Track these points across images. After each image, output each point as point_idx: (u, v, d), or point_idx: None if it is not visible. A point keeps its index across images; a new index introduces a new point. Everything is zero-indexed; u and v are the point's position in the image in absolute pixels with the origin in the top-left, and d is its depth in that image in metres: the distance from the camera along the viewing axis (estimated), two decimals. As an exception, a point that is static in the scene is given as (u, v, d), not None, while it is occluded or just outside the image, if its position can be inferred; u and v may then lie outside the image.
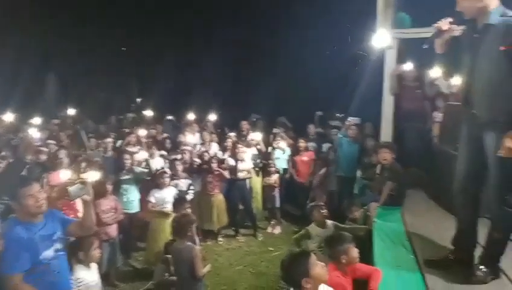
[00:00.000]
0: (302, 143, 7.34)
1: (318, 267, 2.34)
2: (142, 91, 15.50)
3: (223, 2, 13.13)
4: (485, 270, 2.81)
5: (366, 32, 5.91)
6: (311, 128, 7.88)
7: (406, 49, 5.94)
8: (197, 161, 6.87)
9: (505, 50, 2.44)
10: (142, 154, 6.46)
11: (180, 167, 6.36)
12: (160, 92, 12.17)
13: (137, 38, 14.32)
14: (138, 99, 15.47)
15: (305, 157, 7.28)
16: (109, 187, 5.31)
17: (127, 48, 15.82)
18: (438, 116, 5.85)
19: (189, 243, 4.00)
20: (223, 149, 7.20)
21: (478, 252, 2.96)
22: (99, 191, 4.82)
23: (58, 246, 2.83)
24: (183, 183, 6.23)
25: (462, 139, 2.95)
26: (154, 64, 13.87)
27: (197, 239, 4.79)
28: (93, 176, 3.31)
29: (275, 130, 8.08)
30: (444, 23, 2.75)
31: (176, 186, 6.05)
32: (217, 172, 6.51)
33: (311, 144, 7.53)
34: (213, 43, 13.50)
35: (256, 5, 12.24)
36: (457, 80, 5.66)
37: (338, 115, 8.21)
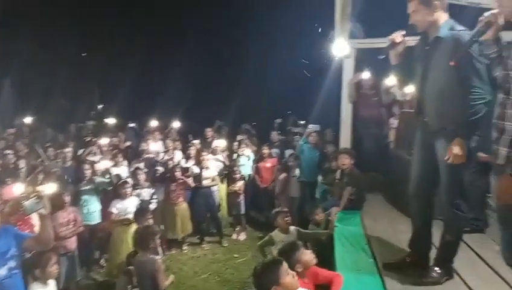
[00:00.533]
0: (265, 150, 7.43)
1: (289, 276, 2.39)
2: (103, 97, 15.12)
3: (187, 9, 13.08)
4: (439, 271, 2.93)
5: (325, 42, 6.10)
6: (274, 135, 8.00)
7: (363, 58, 6.17)
8: (160, 169, 6.78)
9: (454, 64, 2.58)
10: (103, 164, 6.30)
11: (142, 176, 6.26)
12: (122, 99, 11.93)
13: (97, 44, 13.94)
14: (99, 106, 15.07)
15: (268, 163, 7.37)
16: (67, 199, 5.14)
17: (88, 53, 15.39)
18: (394, 122, 6.10)
19: (151, 256, 3.93)
20: (187, 157, 7.15)
21: (433, 254, 3.09)
22: (56, 203, 4.66)
23: (12, 264, 2.72)
24: (146, 192, 6.13)
25: (415, 146, 3.09)
26: (115, 70, 13.59)
27: (160, 250, 4.72)
28: (50, 188, 3.20)
29: (239, 137, 8.13)
30: (398, 36, 2.87)
31: (138, 196, 5.95)
32: (181, 180, 6.46)
33: (275, 151, 7.64)
34: (176, 50, 13.42)
35: (219, 14, 12.29)
36: (411, 88, 5.97)
37: (300, 122, 8.37)
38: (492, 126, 2.07)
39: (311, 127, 6.84)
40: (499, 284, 2.88)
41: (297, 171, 6.70)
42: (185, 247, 6.63)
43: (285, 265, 2.42)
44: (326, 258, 4.01)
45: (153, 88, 13.38)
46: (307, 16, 8.89)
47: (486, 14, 2.13)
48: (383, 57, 3.02)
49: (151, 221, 4.86)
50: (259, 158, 7.51)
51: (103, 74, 14.36)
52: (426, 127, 2.91)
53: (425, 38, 2.87)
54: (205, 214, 6.80)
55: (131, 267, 4.11)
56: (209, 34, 12.56)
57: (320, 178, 6.39)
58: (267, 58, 11.57)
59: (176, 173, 6.45)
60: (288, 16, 10.38)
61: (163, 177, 6.62)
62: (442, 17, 2.75)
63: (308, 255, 3.03)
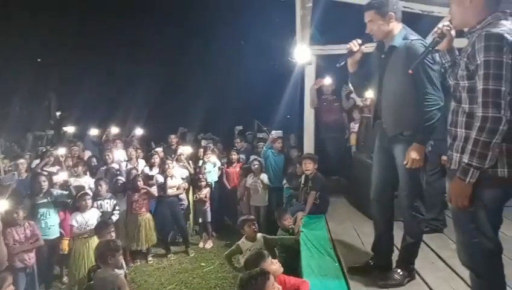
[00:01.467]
0: (234, 155, 7.41)
1: (275, 287, 2.39)
2: (61, 105, 14.52)
3: (148, 14, 12.87)
4: (401, 273, 3.01)
5: (287, 49, 6.18)
6: (238, 142, 7.98)
7: (325, 64, 6.30)
8: (122, 179, 6.60)
9: (407, 71, 2.68)
10: (61, 175, 6.04)
11: (104, 187, 6.06)
12: (82, 106, 11.52)
13: (53, 48, 13.38)
14: (58, 113, 14.46)
15: (238, 168, 7.34)
16: (22, 214, 4.88)
17: (43, 59, 14.76)
18: (355, 127, 6.26)
19: (113, 272, 3.79)
20: (150, 165, 7.00)
21: (395, 256, 3.17)
22: (9, 220, 4.42)
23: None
24: (108, 203, 5.94)
25: (375, 151, 3.18)
26: (74, 76, 13.11)
27: (124, 264, 4.58)
28: (1, 205, 3.01)
29: (204, 143, 8.04)
30: (355, 44, 2.95)
31: (99, 207, 5.76)
32: (144, 190, 6.31)
33: (241, 156, 7.63)
34: (138, 54, 13.14)
35: (182, 21, 12.18)
36: (370, 94, 6.14)
37: (263, 128, 8.42)
38: (447, 132, 2.15)
39: (275, 132, 6.90)
40: (457, 282, 3.00)
41: (264, 177, 6.69)
42: (150, 258, 6.47)
43: (272, 278, 2.42)
44: (293, 264, 4.06)
45: (114, 94, 13.01)
46: (269, 22, 8.99)
47: (440, 25, 2.22)
48: (342, 64, 3.08)
49: (113, 234, 4.70)
50: (227, 163, 7.48)
51: (61, 80, 13.80)
52: (384, 133, 3.00)
53: (381, 47, 2.97)
54: (171, 223, 6.67)
55: (92, 283, 3.96)
56: (172, 40, 12.41)
57: (285, 183, 6.45)
58: (230, 64, 11.58)
59: (138, 183, 6.29)
60: (250, 23, 10.46)
61: (125, 187, 6.44)
62: (397, 27, 2.86)
63: (275, 265, 3.04)
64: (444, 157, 3.65)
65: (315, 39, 5.76)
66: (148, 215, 6.41)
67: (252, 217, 4.81)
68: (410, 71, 2.47)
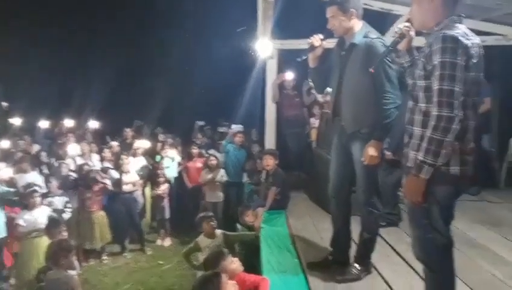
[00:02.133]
0: (194, 149, 7.24)
1: (229, 285, 2.34)
2: (8, 95, 13.58)
3: (104, 2, 12.31)
4: (359, 268, 3.06)
5: (249, 42, 6.11)
6: (198, 136, 7.83)
7: (286, 59, 6.29)
8: (73, 174, 6.28)
9: (367, 69, 2.69)
10: (6, 171, 5.66)
11: (54, 183, 5.75)
12: (31, 96, 10.84)
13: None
14: (4, 104, 13.54)
15: (199, 163, 7.17)
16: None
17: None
18: (315, 122, 6.32)
19: (66, 273, 3.59)
20: (103, 160, 6.69)
21: (353, 251, 3.21)
22: None
23: None
24: (59, 200, 5.64)
25: (333, 148, 3.19)
26: (23, 64, 12.30)
27: (77, 264, 4.36)
28: None
29: (161, 137, 7.82)
30: (316, 40, 2.94)
31: (50, 204, 5.45)
32: (97, 186, 6.03)
33: (211, 151, 7.45)
34: (93, 42, 12.56)
35: (141, 11, 11.78)
36: (329, 90, 6.19)
37: (225, 122, 8.31)
38: (405, 131, 2.18)
39: (235, 127, 6.82)
40: (411, 275, 3.07)
41: (221, 173, 6.60)
42: (104, 257, 6.23)
43: (224, 277, 2.36)
44: (254, 260, 4.02)
45: (66, 84, 12.35)
46: (230, 15, 8.87)
47: (400, 26, 2.25)
48: (303, 59, 3.06)
49: (65, 233, 4.46)
50: (188, 158, 7.31)
51: (7, 68, 12.90)
52: (343, 130, 3.02)
53: (342, 44, 2.98)
54: (126, 221, 6.43)
55: (42, 284, 3.74)
56: (130, 30, 11.96)
57: (246, 178, 6.40)
58: (190, 57, 11.36)
59: (91, 179, 6.01)
60: (212, 16, 10.31)
61: (77, 184, 6.14)
62: (358, 25, 2.87)
63: (234, 264, 2.98)
64: (387, 152, 3.77)
65: (277, 33, 5.72)
66: (102, 213, 6.17)
67: (211, 213, 4.73)
68: (371, 70, 2.48)
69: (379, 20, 5.88)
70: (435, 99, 1.93)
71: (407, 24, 2.22)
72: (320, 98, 6.43)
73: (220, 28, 9.94)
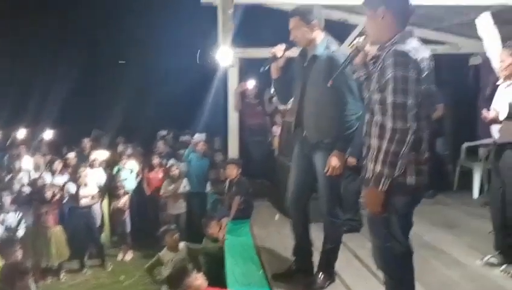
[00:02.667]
0: (155, 160, 7.08)
1: None
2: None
3: (60, 8, 11.85)
4: (322, 277, 3.07)
5: (210, 51, 6.08)
6: (160, 145, 7.64)
7: (248, 67, 6.32)
8: (27, 189, 5.99)
9: (328, 80, 2.71)
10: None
11: (7, 198, 5.45)
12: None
13: None
14: None
15: (160, 174, 6.99)
16: None
17: None
18: (277, 130, 6.38)
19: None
20: (54, 172, 6.41)
21: (317, 259, 3.22)
22: None
23: None
24: (12, 217, 5.35)
25: (294, 157, 3.21)
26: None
27: (33, 285, 4.13)
28: None
29: (121, 148, 7.58)
30: (279, 50, 2.94)
31: (2, 222, 5.16)
32: (53, 201, 5.77)
33: (171, 162, 7.27)
34: (47, 48, 12.03)
35: (99, 20, 11.47)
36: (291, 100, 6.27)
37: (187, 131, 8.20)
38: (363, 143, 2.23)
39: (197, 135, 6.74)
40: (372, 281, 3.14)
41: (184, 183, 6.50)
42: (62, 274, 5.94)
43: None
44: (219, 273, 3.97)
45: (19, 92, 11.73)
46: (192, 24, 8.81)
47: (355, 41, 2.31)
48: (265, 69, 3.07)
49: (19, 253, 4.22)
50: (149, 168, 7.14)
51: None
52: (305, 140, 3.04)
53: (304, 55, 3.01)
54: (85, 235, 6.18)
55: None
56: (89, 39, 11.61)
57: (209, 188, 6.33)
58: (151, 66, 11.17)
59: (47, 193, 5.74)
60: (172, 24, 10.19)
61: (31, 198, 5.85)
62: (320, 36, 2.91)
63: (198, 280, 2.95)
64: (350, 159, 3.86)
65: (238, 42, 5.74)
66: (59, 228, 5.89)
67: (173, 226, 4.65)
68: (329, 83, 2.51)
69: (337, 30, 6.07)
70: (389, 113, 1.98)
71: (362, 39, 2.29)
72: (281, 106, 6.51)
73: (181, 36, 9.85)
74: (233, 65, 5.96)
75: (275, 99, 6.55)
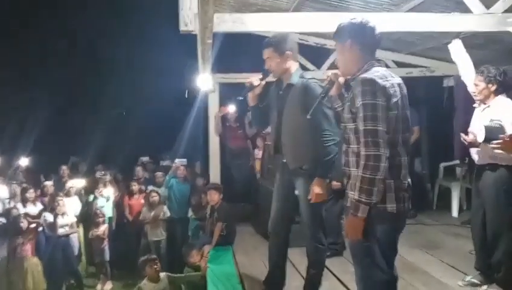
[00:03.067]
0: (135, 186, 6.95)
1: None
2: None
3: (42, 35, 11.76)
4: None
5: (190, 76, 6.12)
6: (139, 171, 7.51)
7: (228, 92, 6.37)
8: (1, 219, 5.78)
9: (304, 109, 2.77)
10: None
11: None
12: None
13: None
14: None
15: (141, 200, 6.82)
16: None
17: None
18: (259, 153, 6.39)
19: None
20: (24, 201, 6.24)
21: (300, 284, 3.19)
22: None
23: None
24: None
25: (275, 184, 3.22)
26: None
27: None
28: None
29: (98, 175, 7.41)
30: (255, 79, 3.00)
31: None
32: (29, 231, 5.57)
33: (151, 187, 7.15)
34: (25, 73, 11.86)
35: (80, 44, 11.42)
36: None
37: (166, 156, 8.12)
38: (343, 173, 2.24)
39: (178, 161, 6.67)
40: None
41: (164, 208, 6.39)
42: (38, 308, 5.71)
43: None
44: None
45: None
46: (171, 50, 8.86)
47: (329, 73, 2.36)
48: (242, 98, 3.11)
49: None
50: (129, 195, 7.00)
51: None
52: (285, 166, 3.06)
53: (280, 84, 3.08)
54: (62, 267, 5.97)
55: None
56: (69, 63, 11.50)
57: (191, 213, 6.24)
58: (132, 92, 11.13)
59: (22, 223, 5.56)
60: (152, 51, 10.25)
61: (6, 230, 5.64)
62: (294, 66, 2.99)
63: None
64: (335, 183, 3.89)
65: (218, 68, 5.80)
66: (35, 260, 5.69)
67: (154, 256, 4.54)
68: (308, 116, 2.55)
69: (314, 54, 6.21)
70: (362, 140, 2.00)
71: (335, 71, 2.35)
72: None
73: (161, 63, 9.90)
74: (213, 90, 6.01)
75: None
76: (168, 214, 6.40)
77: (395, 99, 2.03)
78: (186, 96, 6.53)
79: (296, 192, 3.05)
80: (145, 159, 8.16)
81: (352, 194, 2.07)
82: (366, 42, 2.16)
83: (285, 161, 3.04)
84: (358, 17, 2.20)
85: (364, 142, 1.99)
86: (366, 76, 2.04)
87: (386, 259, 2.13)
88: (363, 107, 1.99)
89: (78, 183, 6.64)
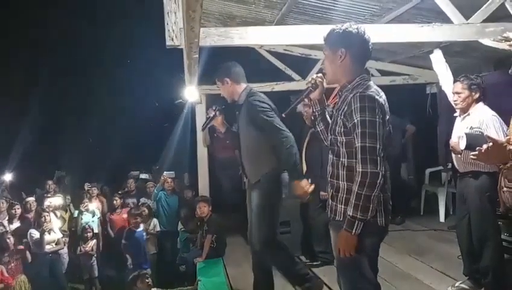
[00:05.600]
0: (117, 200, 6.84)
1: None
2: None
3: (25, 53, 11.64)
4: None
5: (177, 88, 6.14)
6: (130, 183, 7.43)
7: (215, 103, 6.36)
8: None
9: (251, 124, 3.05)
10: None
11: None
12: None
13: None
14: None
15: (124, 214, 6.73)
16: None
17: None
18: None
19: None
20: (10, 218, 6.10)
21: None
22: None
23: None
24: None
25: (247, 200, 3.38)
26: None
27: None
28: None
29: (86, 187, 7.29)
30: (210, 111, 3.39)
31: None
32: (17, 252, 5.44)
33: (132, 201, 7.07)
34: (8, 87, 11.70)
35: (66, 60, 11.34)
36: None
37: (155, 167, 8.06)
38: (328, 184, 2.22)
39: (167, 173, 6.63)
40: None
41: (154, 222, 6.32)
42: (26, 328, 5.55)
43: None
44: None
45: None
46: (159, 65, 8.88)
47: (314, 76, 2.35)
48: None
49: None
50: (111, 210, 6.90)
51: None
52: (248, 182, 3.29)
53: (238, 105, 3.28)
54: (49, 284, 5.83)
55: None
56: (54, 77, 11.40)
57: (180, 226, 6.18)
58: (118, 104, 11.06)
59: (7, 241, 5.42)
60: (140, 64, 10.25)
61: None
62: (241, 87, 3.23)
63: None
64: (323, 193, 3.93)
65: (204, 79, 5.82)
66: (23, 278, 5.49)
67: (144, 271, 4.48)
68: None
69: (299, 64, 6.28)
70: (359, 157, 1.98)
71: (320, 75, 2.29)
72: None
73: (149, 75, 9.90)
74: (200, 101, 6.02)
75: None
76: (158, 228, 6.32)
77: (387, 116, 2.06)
78: (177, 103, 6.53)
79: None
80: (135, 173, 8.05)
81: (344, 209, 2.06)
82: (359, 53, 2.13)
83: (248, 178, 3.25)
84: (353, 25, 2.13)
85: (361, 159, 1.97)
86: (365, 92, 2.02)
87: (372, 269, 2.15)
88: (361, 123, 1.97)
89: (55, 201, 6.50)
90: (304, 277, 3.22)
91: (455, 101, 3.31)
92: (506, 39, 2.27)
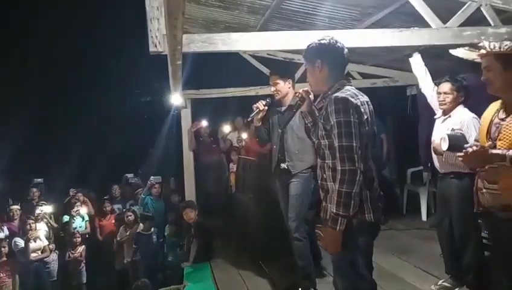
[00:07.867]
0: (107, 206, 6.82)
1: None
2: None
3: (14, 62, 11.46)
4: None
5: (163, 93, 6.15)
6: (116, 189, 7.38)
7: (200, 107, 6.42)
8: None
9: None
10: None
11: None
12: None
13: None
14: None
15: (112, 220, 6.71)
16: None
17: None
18: (233, 167, 6.45)
19: None
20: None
21: None
22: None
23: None
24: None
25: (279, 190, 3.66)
26: None
27: None
28: None
29: (71, 192, 7.19)
30: (261, 104, 3.44)
31: None
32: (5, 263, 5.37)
33: (117, 206, 7.04)
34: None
35: (53, 65, 11.20)
36: (244, 135, 6.47)
37: (140, 171, 8.02)
38: (319, 188, 2.32)
39: (153, 178, 6.61)
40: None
41: (141, 227, 6.29)
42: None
43: None
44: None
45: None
46: (145, 70, 8.86)
47: (300, 90, 2.43)
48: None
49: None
50: (100, 215, 6.86)
51: None
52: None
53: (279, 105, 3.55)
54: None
55: None
56: (41, 81, 11.25)
57: (167, 231, 6.17)
58: (104, 110, 10.97)
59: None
60: (125, 70, 10.19)
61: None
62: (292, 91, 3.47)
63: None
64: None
65: (189, 84, 5.85)
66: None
67: (144, 279, 4.45)
68: (279, 130, 2.84)
69: (282, 68, 6.35)
70: (337, 155, 2.09)
71: (306, 88, 2.41)
72: (236, 143, 6.63)
73: (134, 82, 9.86)
74: (185, 106, 6.05)
75: (229, 136, 6.69)
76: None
77: (365, 116, 2.14)
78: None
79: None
80: (129, 175, 8.00)
81: (330, 207, 2.14)
82: (335, 62, 2.26)
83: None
84: (326, 37, 2.28)
85: (340, 158, 2.08)
86: (338, 95, 2.14)
87: (367, 268, 2.23)
88: (337, 124, 2.09)
89: (46, 209, 6.42)
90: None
91: (442, 101, 3.33)
92: (478, 48, 2.36)
